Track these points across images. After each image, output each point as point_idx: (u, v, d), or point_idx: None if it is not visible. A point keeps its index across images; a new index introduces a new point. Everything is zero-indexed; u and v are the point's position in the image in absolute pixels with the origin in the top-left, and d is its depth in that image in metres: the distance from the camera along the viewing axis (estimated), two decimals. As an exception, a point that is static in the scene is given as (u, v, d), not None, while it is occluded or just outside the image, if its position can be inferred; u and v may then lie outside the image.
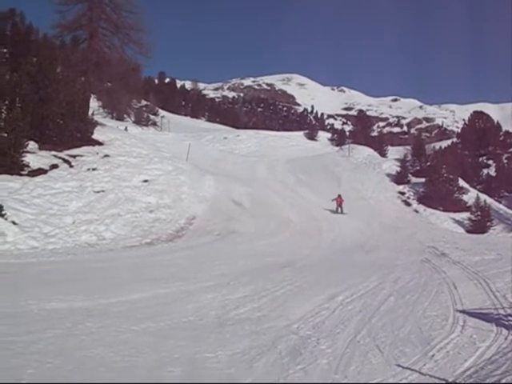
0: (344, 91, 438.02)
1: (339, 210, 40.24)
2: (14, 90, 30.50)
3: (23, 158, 26.86)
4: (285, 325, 11.56)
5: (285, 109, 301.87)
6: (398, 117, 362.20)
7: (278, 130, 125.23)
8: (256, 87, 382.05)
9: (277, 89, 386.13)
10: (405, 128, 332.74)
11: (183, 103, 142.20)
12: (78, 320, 10.66)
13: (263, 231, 29.54)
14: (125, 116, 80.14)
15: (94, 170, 30.17)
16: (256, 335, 10.75)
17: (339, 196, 41.00)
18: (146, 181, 31.61)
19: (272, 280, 16.86)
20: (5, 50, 50.21)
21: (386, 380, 8.26)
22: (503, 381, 7.88)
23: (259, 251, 24.19)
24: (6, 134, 26.15)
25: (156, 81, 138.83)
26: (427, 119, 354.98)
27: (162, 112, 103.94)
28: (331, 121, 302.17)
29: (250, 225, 30.64)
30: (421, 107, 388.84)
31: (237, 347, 9.88)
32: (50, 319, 10.57)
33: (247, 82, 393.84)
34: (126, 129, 60.09)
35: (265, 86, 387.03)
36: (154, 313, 12.06)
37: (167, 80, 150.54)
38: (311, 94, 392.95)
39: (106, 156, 32.58)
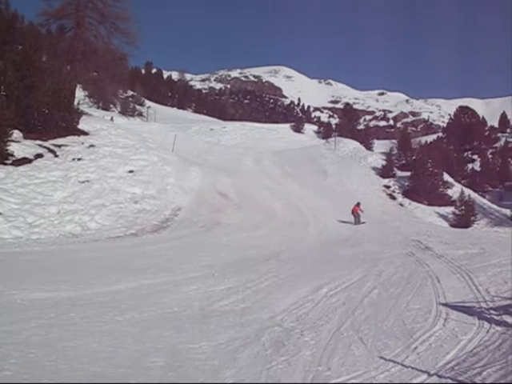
0: (331, 84, 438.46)
1: (358, 220, 34.74)
2: (-1, 78, 30.21)
3: (7, 147, 26.64)
4: (269, 316, 11.59)
5: (272, 101, 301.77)
6: (384, 110, 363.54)
7: (264, 122, 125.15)
8: (243, 79, 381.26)
9: (264, 81, 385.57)
10: (391, 122, 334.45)
11: (170, 94, 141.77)
12: (61, 310, 10.63)
13: (249, 223, 29.54)
14: (111, 106, 79.81)
15: (79, 159, 30.01)
16: (240, 327, 10.77)
17: (358, 204, 35.94)
18: (131, 171, 31.50)
19: (257, 272, 16.89)
20: (-11, 38, 49.67)
21: (369, 372, 8.30)
22: (484, 373, 7.95)
23: (244, 243, 24.21)
24: (-10, 123, 25.91)
25: (143, 71, 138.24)
26: (413, 113, 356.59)
27: (148, 102, 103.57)
28: (318, 113, 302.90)
29: (235, 216, 30.65)
30: (407, 101, 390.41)
31: (220, 338, 9.90)
32: (33, 309, 10.53)
33: (234, 73, 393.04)
34: (111, 119, 59.90)
35: (252, 78, 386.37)
36: (139, 303, 12.05)
37: (154, 70, 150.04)
38: (298, 87, 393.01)
39: (92, 146, 32.41)
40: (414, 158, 56.49)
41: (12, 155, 26.83)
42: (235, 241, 24.60)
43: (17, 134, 28.51)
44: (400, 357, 9.00)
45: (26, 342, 8.27)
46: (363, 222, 34.34)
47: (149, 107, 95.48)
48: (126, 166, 31.80)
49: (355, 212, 35.12)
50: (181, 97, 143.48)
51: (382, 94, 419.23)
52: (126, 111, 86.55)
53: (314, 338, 10.10)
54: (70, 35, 41.12)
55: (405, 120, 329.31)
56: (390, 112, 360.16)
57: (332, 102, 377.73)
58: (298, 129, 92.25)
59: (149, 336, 9.65)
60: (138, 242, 22.74)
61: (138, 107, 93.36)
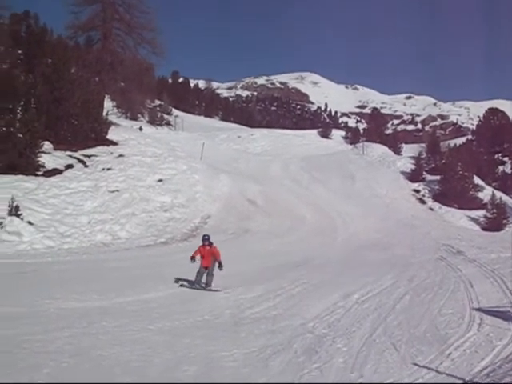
0: (358, 89, 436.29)
1: None
2: (29, 91, 30.68)
3: (39, 159, 27.02)
4: (300, 323, 11.56)
5: (298, 107, 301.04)
6: (412, 114, 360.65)
7: (291, 128, 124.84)
8: (269, 86, 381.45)
9: (290, 87, 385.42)
10: (419, 125, 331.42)
11: (197, 102, 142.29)
12: (93, 319, 10.71)
13: (277, 229, 29.52)
14: (139, 116, 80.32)
15: (108, 169, 30.28)
16: (271, 334, 10.75)
17: None
18: (160, 180, 31.69)
19: (287, 278, 16.86)
20: (19, 52, 50.40)
21: (401, 380, 8.21)
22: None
23: (274, 250, 24.19)
24: (21, 135, 26.32)
25: (170, 80, 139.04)
26: (442, 116, 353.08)
27: (175, 111, 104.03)
28: (345, 119, 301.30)
29: (264, 223, 30.64)
30: (435, 104, 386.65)
31: (252, 346, 9.88)
32: (66, 318, 10.63)
33: (261, 80, 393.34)
34: (140, 128, 60.31)
35: (278, 85, 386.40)
36: (170, 312, 12.09)
37: (181, 79, 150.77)
38: (325, 92, 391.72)
39: (121, 156, 32.70)
40: (443, 161, 55.82)
41: (43, 166, 27.19)
42: (264, 248, 24.59)
43: (47, 145, 28.89)
44: (434, 363, 8.89)
45: (59, 351, 8.33)
46: None
47: (176, 116, 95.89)
48: (155, 175, 32.00)
49: None
50: (208, 105, 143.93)
51: (409, 97, 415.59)
52: (154, 121, 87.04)
53: (347, 344, 10.03)
54: (98, 47, 41.60)
55: (433, 123, 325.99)
56: (418, 116, 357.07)
57: (359, 106, 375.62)
58: (325, 134, 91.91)
59: (181, 344, 9.66)
60: (168, 250, 22.84)
61: (165, 116, 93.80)
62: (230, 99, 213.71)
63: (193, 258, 15.41)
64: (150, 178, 31.42)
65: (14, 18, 57.15)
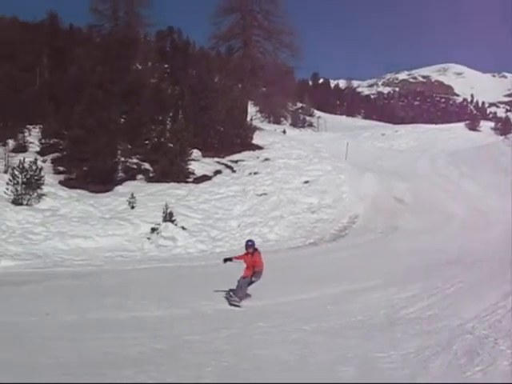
0: (506, 77, 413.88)
1: None
2: (177, 102, 32.12)
3: (188, 166, 28.17)
4: (458, 324, 11.00)
5: (443, 100, 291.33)
6: None
7: (436, 122, 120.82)
8: (411, 80, 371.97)
9: (433, 80, 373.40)
10: None
11: (338, 102, 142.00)
12: (249, 320, 10.87)
13: (427, 227, 28.51)
14: (282, 119, 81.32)
15: (255, 173, 30.86)
16: (428, 334, 10.32)
17: None
18: (306, 182, 31.78)
19: (441, 277, 16.19)
20: (166, 66, 52.85)
21: None
22: None
23: (424, 248, 23.36)
24: (171, 145, 27.55)
25: (310, 82, 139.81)
26: None
27: (317, 113, 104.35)
28: (493, 109, 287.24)
29: (413, 221, 29.74)
30: None
31: (409, 347, 9.53)
32: (223, 319, 10.88)
33: (402, 75, 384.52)
34: (283, 132, 60.99)
35: (420, 79, 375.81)
36: (323, 312, 12.00)
37: (321, 81, 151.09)
38: (470, 83, 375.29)
39: (267, 159, 33.21)
40: None
41: (193, 173, 28.31)
42: (414, 246, 23.82)
43: (196, 152, 30.03)
44: None
45: (219, 351, 8.51)
46: None
47: (319, 117, 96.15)
48: (301, 176, 32.15)
49: None
50: (349, 104, 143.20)
51: None
52: (297, 123, 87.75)
53: (510, 346, 9.40)
54: (239, 54, 42.67)
55: None
56: None
57: (508, 95, 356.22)
58: (473, 127, 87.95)
59: (336, 345, 9.53)
60: (317, 251, 22.80)
61: (307, 118, 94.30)
62: (372, 97, 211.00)
63: (227, 260, 13.54)
64: (297, 180, 31.61)
65: (160, 35, 60.23)
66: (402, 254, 21.57)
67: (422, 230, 27.45)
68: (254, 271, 12.98)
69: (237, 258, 13.42)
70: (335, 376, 7.93)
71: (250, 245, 13.22)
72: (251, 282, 12.99)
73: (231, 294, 12.87)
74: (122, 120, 31.64)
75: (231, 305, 12.46)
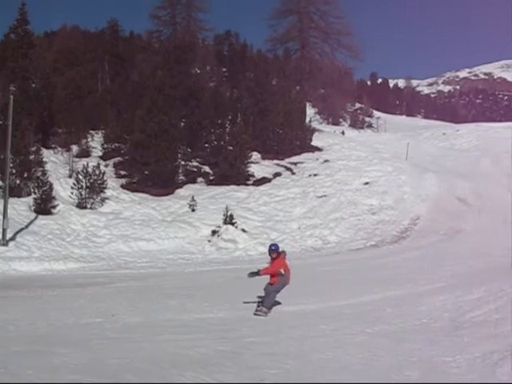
0: None
1: None
2: (235, 105, 32.33)
3: (248, 169, 28.31)
4: (528, 328, 10.65)
5: (506, 98, 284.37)
6: None
7: (500, 120, 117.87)
8: (472, 78, 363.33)
9: (495, 77, 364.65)
10: None
11: (397, 102, 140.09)
12: (311, 322, 10.77)
13: (491, 228, 27.77)
14: (340, 120, 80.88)
15: (315, 175, 30.77)
16: (494, 339, 10.00)
17: None
18: (366, 183, 31.47)
19: (506, 280, 15.72)
20: (224, 70, 53.33)
21: None
22: None
23: (488, 250, 22.73)
24: (231, 147, 27.74)
25: (368, 83, 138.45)
26: None
27: (376, 113, 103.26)
28: None
29: (477, 222, 29.06)
30: None
31: (476, 351, 9.25)
32: (285, 322, 10.82)
33: (462, 73, 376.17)
34: (342, 133, 60.57)
35: (482, 76, 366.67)
36: (386, 315, 11.81)
37: (379, 80, 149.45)
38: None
39: (326, 161, 33.07)
40: None
41: (252, 176, 28.46)
42: (478, 248, 23.24)
43: (255, 155, 30.18)
44: None
45: (282, 354, 8.46)
46: None
47: (378, 118, 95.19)
48: (361, 178, 31.86)
49: None
50: (409, 104, 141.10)
51: None
52: (356, 124, 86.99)
53: None
54: (296, 56, 42.86)
55: None
56: None
57: None
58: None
59: (401, 348, 9.33)
60: (378, 253, 22.52)
61: (366, 119, 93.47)
62: (432, 96, 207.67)
63: (255, 275, 11.69)
64: (357, 181, 31.34)
65: (218, 39, 60.89)
66: (465, 256, 21.09)
67: (486, 232, 26.80)
68: (274, 275, 11.65)
69: (265, 270, 11.80)
70: (399, 381, 7.78)
71: (273, 249, 11.89)
72: (279, 290, 11.69)
73: (259, 303, 11.75)
74: (182, 124, 32.05)
75: (256, 315, 11.30)
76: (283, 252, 11.92)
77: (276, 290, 11.63)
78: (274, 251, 11.76)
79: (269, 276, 11.73)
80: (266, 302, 11.53)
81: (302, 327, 10.41)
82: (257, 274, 11.55)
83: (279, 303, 12.29)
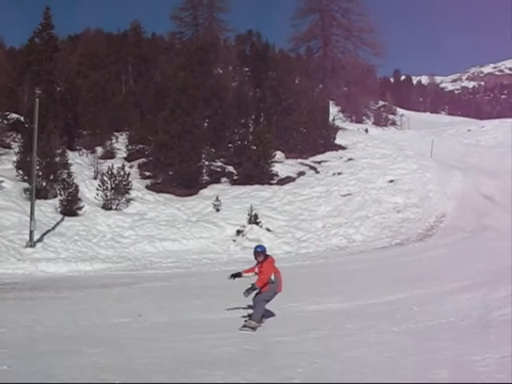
0: None
1: None
2: (258, 104, 32.35)
3: (272, 168, 28.32)
4: (558, 327, 10.50)
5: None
6: None
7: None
8: (497, 73, 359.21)
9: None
10: None
11: (421, 99, 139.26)
12: (338, 321, 10.74)
13: (520, 226, 27.50)
14: (364, 118, 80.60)
15: (339, 174, 30.69)
16: (525, 337, 9.90)
17: None
18: (391, 181, 31.29)
19: (537, 278, 15.54)
20: (246, 69, 53.35)
21: None
22: None
23: (518, 248, 22.52)
24: (254, 147, 27.78)
25: (391, 80, 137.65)
26: None
27: (400, 110, 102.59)
28: None
29: (503, 219, 28.71)
30: None
31: (505, 350, 9.14)
32: (311, 321, 10.80)
33: (487, 69, 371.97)
34: (366, 131, 60.32)
35: (507, 71, 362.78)
36: (412, 314, 11.72)
37: (403, 78, 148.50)
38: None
39: (350, 159, 32.96)
40: None
41: (276, 175, 28.48)
42: (505, 246, 22.92)
43: (279, 154, 30.17)
44: None
45: (309, 352, 8.44)
46: None
47: (402, 115, 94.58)
48: (385, 176, 31.69)
49: None
50: (432, 101, 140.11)
51: None
52: (379, 122, 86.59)
53: None
54: (319, 55, 42.67)
55: None
56: None
57: None
58: None
59: (428, 347, 9.26)
60: (403, 251, 22.38)
61: (390, 116, 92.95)
62: (456, 92, 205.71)
63: (235, 276, 10.74)
64: (381, 179, 31.17)
65: (239, 39, 60.91)
66: (492, 254, 20.85)
67: (512, 229, 26.48)
68: (266, 284, 10.28)
69: (246, 271, 10.82)
70: (428, 380, 7.73)
71: (259, 252, 10.49)
72: (269, 299, 10.46)
73: (248, 316, 10.59)
74: (206, 124, 32.17)
75: (242, 330, 9.89)
76: (271, 257, 10.56)
77: (265, 298, 10.42)
78: (261, 254, 10.43)
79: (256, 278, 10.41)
80: (255, 314, 10.23)
81: (328, 326, 10.39)
82: (253, 289, 10.19)
83: (304, 302, 12.30)
